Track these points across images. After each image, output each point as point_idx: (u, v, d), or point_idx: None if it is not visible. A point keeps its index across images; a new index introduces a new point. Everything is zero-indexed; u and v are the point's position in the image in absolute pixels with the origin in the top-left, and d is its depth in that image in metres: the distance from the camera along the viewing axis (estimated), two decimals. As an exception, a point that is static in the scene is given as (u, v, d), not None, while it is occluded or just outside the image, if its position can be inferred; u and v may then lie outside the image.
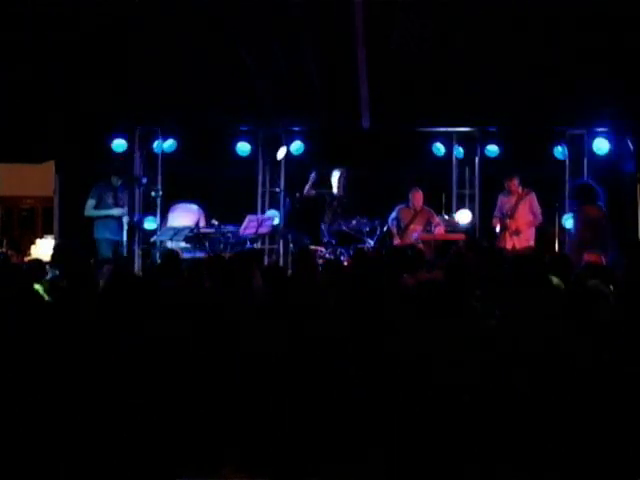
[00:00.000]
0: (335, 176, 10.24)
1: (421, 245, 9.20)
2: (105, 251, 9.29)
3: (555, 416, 3.37)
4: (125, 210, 9.63)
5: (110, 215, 9.52)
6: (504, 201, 9.45)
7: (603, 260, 6.99)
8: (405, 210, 9.99)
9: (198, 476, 3.61)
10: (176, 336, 4.12)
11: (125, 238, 9.68)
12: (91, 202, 9.55)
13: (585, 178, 10.12)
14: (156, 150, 10.59)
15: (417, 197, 9.93)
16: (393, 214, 10.02)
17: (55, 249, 7.10)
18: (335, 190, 10.20)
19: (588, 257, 6.86)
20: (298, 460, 3.53)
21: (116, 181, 9.72)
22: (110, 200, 9.56)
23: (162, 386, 3.79)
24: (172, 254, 6.91)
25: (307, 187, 10.23)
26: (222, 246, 9.54)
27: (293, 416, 3.63)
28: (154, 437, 3.66)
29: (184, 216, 9.99)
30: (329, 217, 10.04)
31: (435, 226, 9.84)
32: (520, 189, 9.41)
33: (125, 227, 9.72)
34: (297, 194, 10.24)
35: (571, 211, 9.42)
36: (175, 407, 3.73)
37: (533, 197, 9.37)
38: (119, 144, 10.26)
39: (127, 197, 9.90)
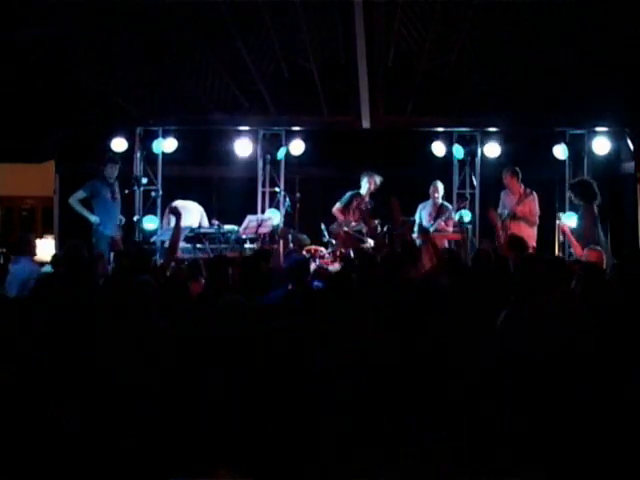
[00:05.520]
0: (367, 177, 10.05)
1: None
2: (103, 247, 9.21)
3: (555, 416, 3.37)
4: (98, 219, 9.27)
5: (86, 217, 9.30)
6: (507, 200, 9.40)
7: (604, 257, 6.96)
8: (427, 206, 9.94)
9: (192, 477, 3.61)
10: (173, 336, 4.12)
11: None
12: (81, 193, 9.33)
13: (586, 176, 10.06)
14: (156, 150, 10.59)
15: (434, 190, 9.91)
16: (417, 214, 9.99)
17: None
18: (364, 190, 10.01)
19: (591, 255, 6.81)
20: (292, 462, 3.53)
21: (111, 171, 9.49)
22: (108, 195, 9.46)
23: (157, 386, 3.79)
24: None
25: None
26: (222, 246, 9.53)
27: (288, 418, 3.63)
28: (148, 437, 3.66)
29: (187, 216, 9.96)
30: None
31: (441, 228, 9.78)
32: (522, 188, 9.35)
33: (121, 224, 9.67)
34: (297, 194, 10.22)
35: (575, 208, 9.02)
36: (169, 408, 3.73)
37: (534, 198, 9.31)
38: (119, 144, 10.25)
39: (120, 191, 9.73)
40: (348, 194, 10.04)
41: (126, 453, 3.60)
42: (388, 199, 9.50)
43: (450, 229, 9.89)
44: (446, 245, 9.56)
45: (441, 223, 9.79)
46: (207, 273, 5.96)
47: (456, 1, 8.21)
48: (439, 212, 9.88)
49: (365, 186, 9.98)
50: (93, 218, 9.30)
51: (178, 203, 9.92)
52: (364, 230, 9.72)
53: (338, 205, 10.03)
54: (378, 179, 9.95)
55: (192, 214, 9.91)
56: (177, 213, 7.01)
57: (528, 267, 4.16)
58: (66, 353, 3.95)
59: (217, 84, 9.75)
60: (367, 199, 9.99)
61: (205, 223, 10.02)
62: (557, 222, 8.40)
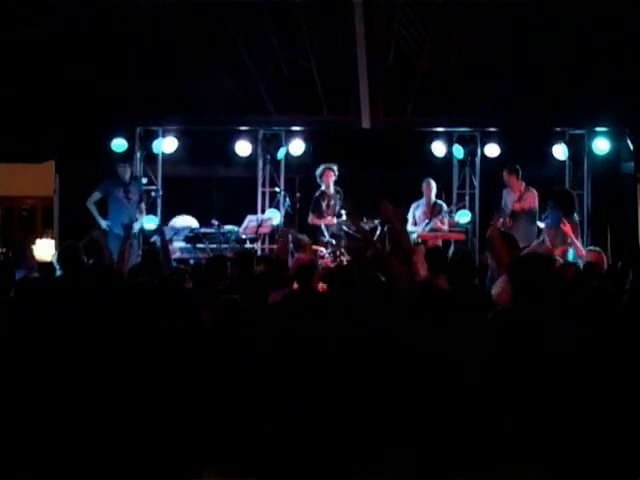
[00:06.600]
0: (320, 171, 9.88)
1: (421, 247, 9.09)
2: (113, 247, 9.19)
3: (557, 416, 3.37)
4: (109, 224, 9.24)
5: (98, 221, 9.34)
6: (508, 198, 9.40)
7: (604, 259, 6.90)
8: (421, 205, 9.85)
9: (192, 476, 3.62)
10: (172, 338, 4.12)
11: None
12: (96, 194, 9.46)
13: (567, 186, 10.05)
14: (156, 150, 10.59)
15: (428, 188, 9.84)
16: (409, 214, 9.90)
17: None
18: (324, 187, 9.88)
19: (591, 257, 6.76)
20: (291, 462, 3.54)
21: (123, 171, 9.58)
22: (121, 194, 9.49)
23: (156, 386, 3.80)
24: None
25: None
26: (222, 246, 9.54)
27: (287, 419, 3.63)
28: (149, 438, 3.66)
29: (182, 219, 9.98)
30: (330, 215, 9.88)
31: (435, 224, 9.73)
32: (522, 186, 9.33)
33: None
34: (297, 194, 10.21)
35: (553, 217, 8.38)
36: (170, 408, 3.74)
37: (533, 195, 9.30)
38: (119, 144, 10.25)
39: (139, 191, 9.77)
40: (313, 198, 9.89)
41: (127, 453, 3.60)
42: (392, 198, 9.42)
43: (445, 228, 9.86)
44: (440, 244, 9.53)
45: (437, 222, 9.74)
46: (205, 271, 5.96)
47: (456, 1, 8.22)
48: (433, 211, 9.82)
49: (322, 181, 9.83)
50: (103, 223, 9.33)
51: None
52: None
53: (311, 214, 9.87)
54: (335, 168, 9.76)
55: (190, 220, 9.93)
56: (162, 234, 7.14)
57: (534, 266, 4.13)
58: (63, 353, 3.95)
59: (217, 84, 9.75)
60: (332, 192, 9.85)
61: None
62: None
